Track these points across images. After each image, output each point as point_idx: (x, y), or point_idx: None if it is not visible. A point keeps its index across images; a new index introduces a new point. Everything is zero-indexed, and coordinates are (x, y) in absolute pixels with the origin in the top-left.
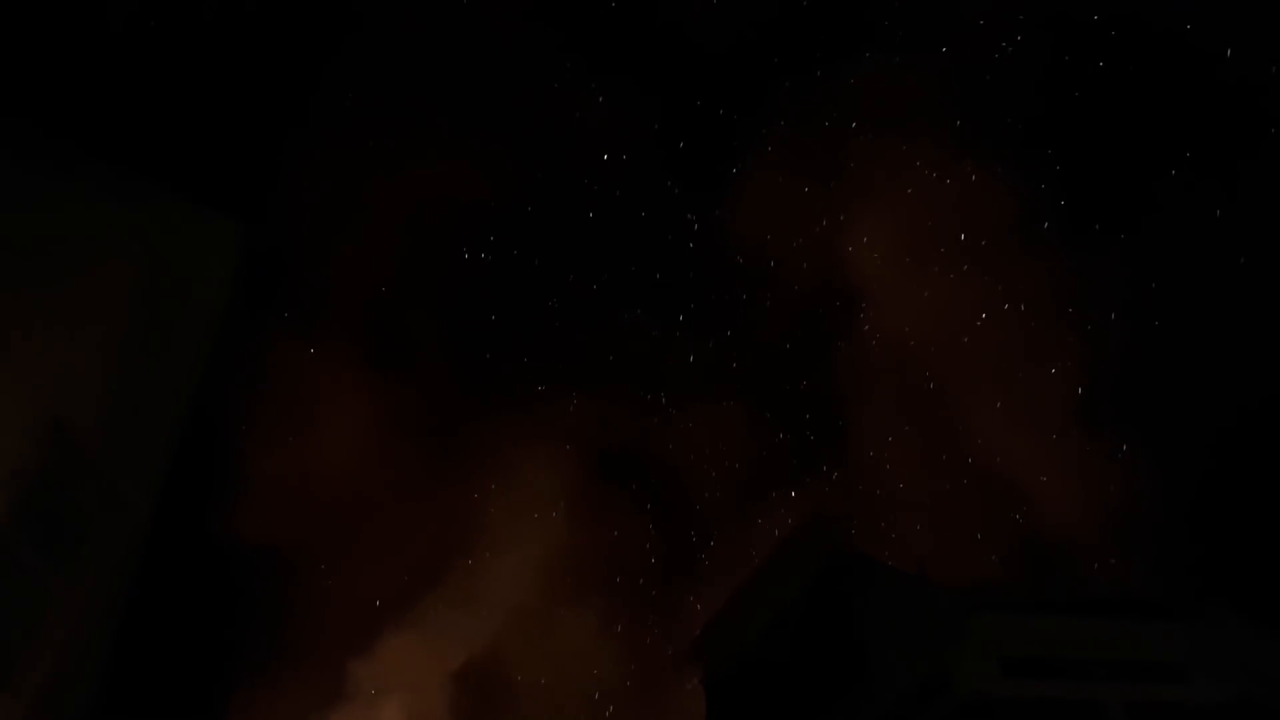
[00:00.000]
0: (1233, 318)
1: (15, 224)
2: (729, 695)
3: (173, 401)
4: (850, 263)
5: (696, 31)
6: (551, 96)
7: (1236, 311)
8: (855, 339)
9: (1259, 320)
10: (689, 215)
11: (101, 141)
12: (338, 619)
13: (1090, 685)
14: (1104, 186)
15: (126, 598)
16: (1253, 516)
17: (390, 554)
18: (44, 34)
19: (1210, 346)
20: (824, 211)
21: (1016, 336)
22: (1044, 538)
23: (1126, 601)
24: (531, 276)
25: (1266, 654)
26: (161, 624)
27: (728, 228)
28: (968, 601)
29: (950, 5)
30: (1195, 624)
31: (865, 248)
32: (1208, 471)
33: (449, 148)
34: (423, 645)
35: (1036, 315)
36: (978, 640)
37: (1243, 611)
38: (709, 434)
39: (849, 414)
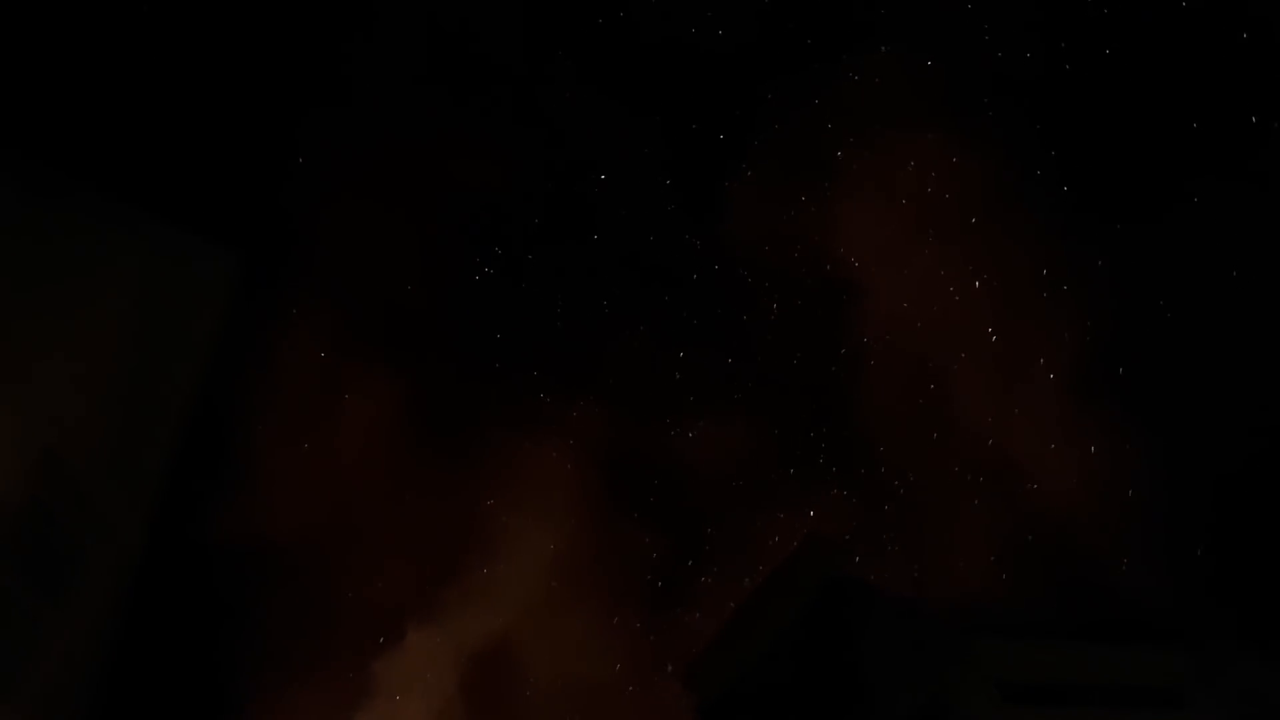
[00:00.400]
0: (1245, 313)
1: (6, 256)
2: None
3: (166, 428)
4: (851, 264)
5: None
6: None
7: (1249, 306)
8: (859, 346)
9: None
10: (690, 223)
11: (91, 170)
12: (348, 624)
13: (1089, 710)
14: (1111, 171)
15: (123, 617)
16: (1258, 526)
17: (397, 556)
18: (37, 61)
19: (1223, 342)
20: (823, 214)
21: (1023, 337)
22: (1048, 548)
23: (1126, 623)
24: (537, 283)
25: (1265, 678)
26: (164, 638)
27: (730, 234)
28: (966, 626)
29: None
30: (1194, 648)
31: (865, 247)
32: (1218, 476)
33: (451, 153)
34: (433, 645)
35: (1045, 316)
36: (976, 667)
37: (1242, 634)
38: (712, 447)
39: (853, 424)
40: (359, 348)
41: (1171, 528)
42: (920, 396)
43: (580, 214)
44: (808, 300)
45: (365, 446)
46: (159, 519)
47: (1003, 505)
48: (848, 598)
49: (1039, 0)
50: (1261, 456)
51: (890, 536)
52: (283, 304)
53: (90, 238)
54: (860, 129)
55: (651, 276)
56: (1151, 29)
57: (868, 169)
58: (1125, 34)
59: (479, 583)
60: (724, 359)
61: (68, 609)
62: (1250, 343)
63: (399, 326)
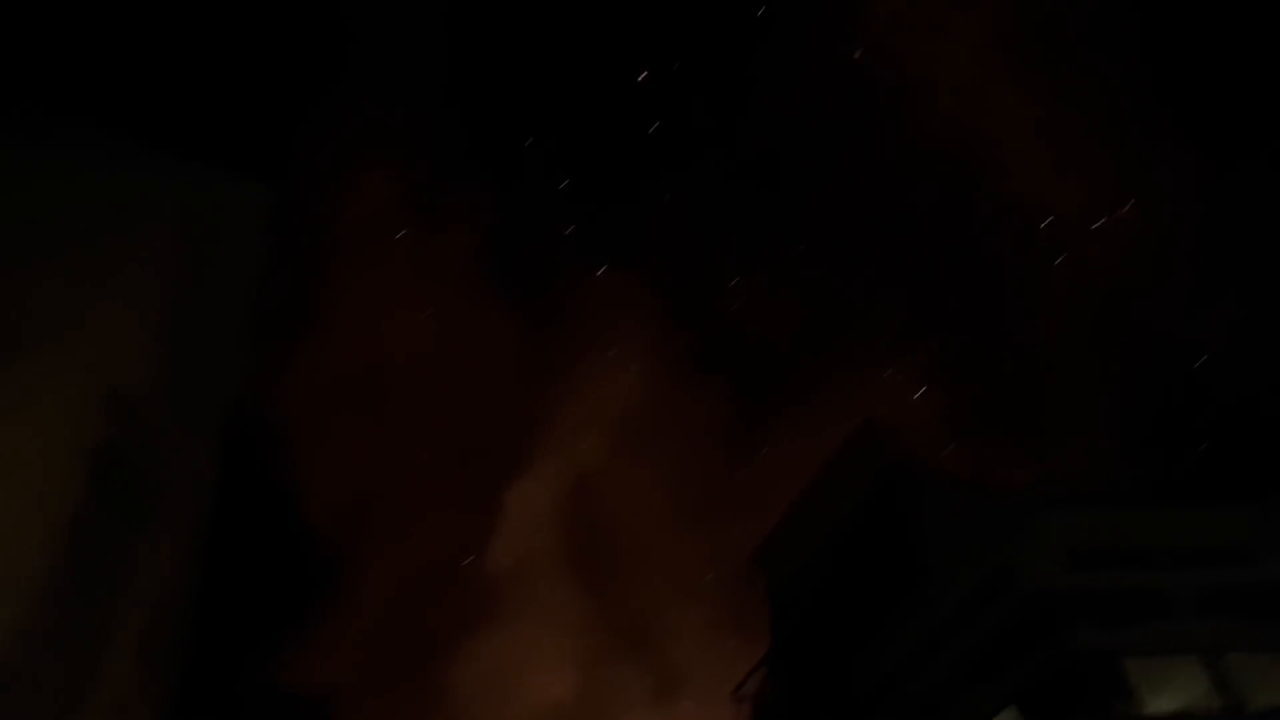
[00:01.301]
0: None
1: (58, 214)
2: (793, 602)
3: (222, 358)
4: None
5: None
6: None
7: None
8: (925, 214)
9: None
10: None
11: (125, 121)
12: (428, 491)
13: (1159, 573)
14: None
15: (205, 541)
16: None
17: (478, 425)
18: (63, 21)
19: None
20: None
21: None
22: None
23: (1189, 487)
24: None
25: None
26: (240, 572)
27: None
28: (1032, 498)
29: None
30: (1262, 505)
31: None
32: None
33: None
34: (524, 485)
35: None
36: (1042, 535)
37: None
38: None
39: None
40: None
41: (1249, 379)
42: (986, 265)
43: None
44: (875, 165)
45: (425, 331)
46: (226, 444)
47: (1073, 373)
48: (907, 479)
49: None
50: None
51: (956, 415)
52: (316, 228)
53: (132, 184)
54: None
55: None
56: None
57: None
58: None
59: (561, 437)
60: (791, 231)
61: (157, 536)
62: None
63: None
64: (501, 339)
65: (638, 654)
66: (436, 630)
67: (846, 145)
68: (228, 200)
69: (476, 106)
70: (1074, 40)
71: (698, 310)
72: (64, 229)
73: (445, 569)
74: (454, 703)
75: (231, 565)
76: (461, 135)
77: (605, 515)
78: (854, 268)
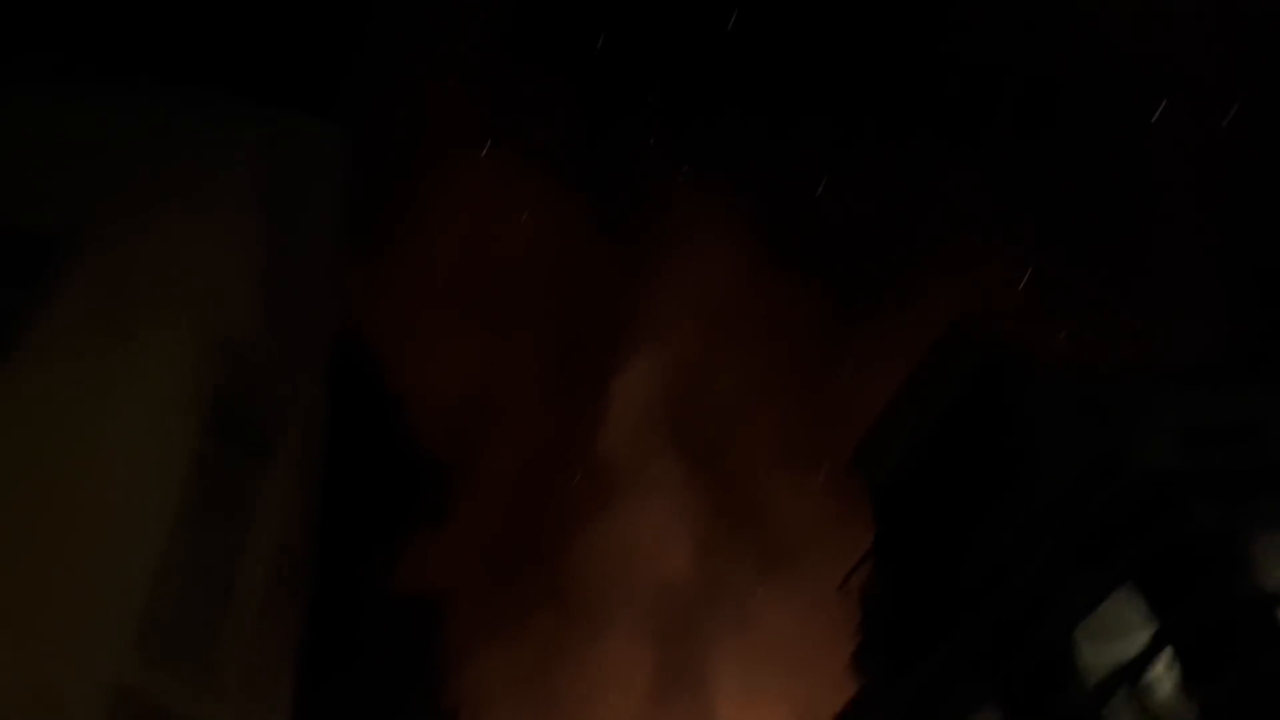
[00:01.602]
0: None
1: (147, 168)
2: (896, 497)
3: (319, 292)
4: None
5: None
6: None
7: None
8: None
9: None
10: None
11: (192, 72)
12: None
13: (1275, 449)
14: None
15: (323, 468)
16: None
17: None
18: None
19: None
20: None
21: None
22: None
23: None
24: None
25: None
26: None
27: None
28: (1138, 379)
29: None
30: None
31: None
32: None
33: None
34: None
35: None
36: (1154, 414)
37: None
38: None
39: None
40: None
41: None
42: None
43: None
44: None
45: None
46: (334, 377)
47: (1183, 245)
48: (1008, 368)
49: None
50: None
51: (1060, 298)
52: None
53: (214, 133)
54: None
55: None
56: None
57: None
58: None
59: (658, 336)
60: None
61: (281, 473)
62: None
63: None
64: (591, 243)
65: (744, 546)
66: (548, 525)
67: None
68: (307, 140)
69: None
70: None
71: (788, 209)
72: (155, 182)
73: (553, 466)
74: (568, 594)
75: (346, 481)
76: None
77: (705, 411)
78: (944, 152)
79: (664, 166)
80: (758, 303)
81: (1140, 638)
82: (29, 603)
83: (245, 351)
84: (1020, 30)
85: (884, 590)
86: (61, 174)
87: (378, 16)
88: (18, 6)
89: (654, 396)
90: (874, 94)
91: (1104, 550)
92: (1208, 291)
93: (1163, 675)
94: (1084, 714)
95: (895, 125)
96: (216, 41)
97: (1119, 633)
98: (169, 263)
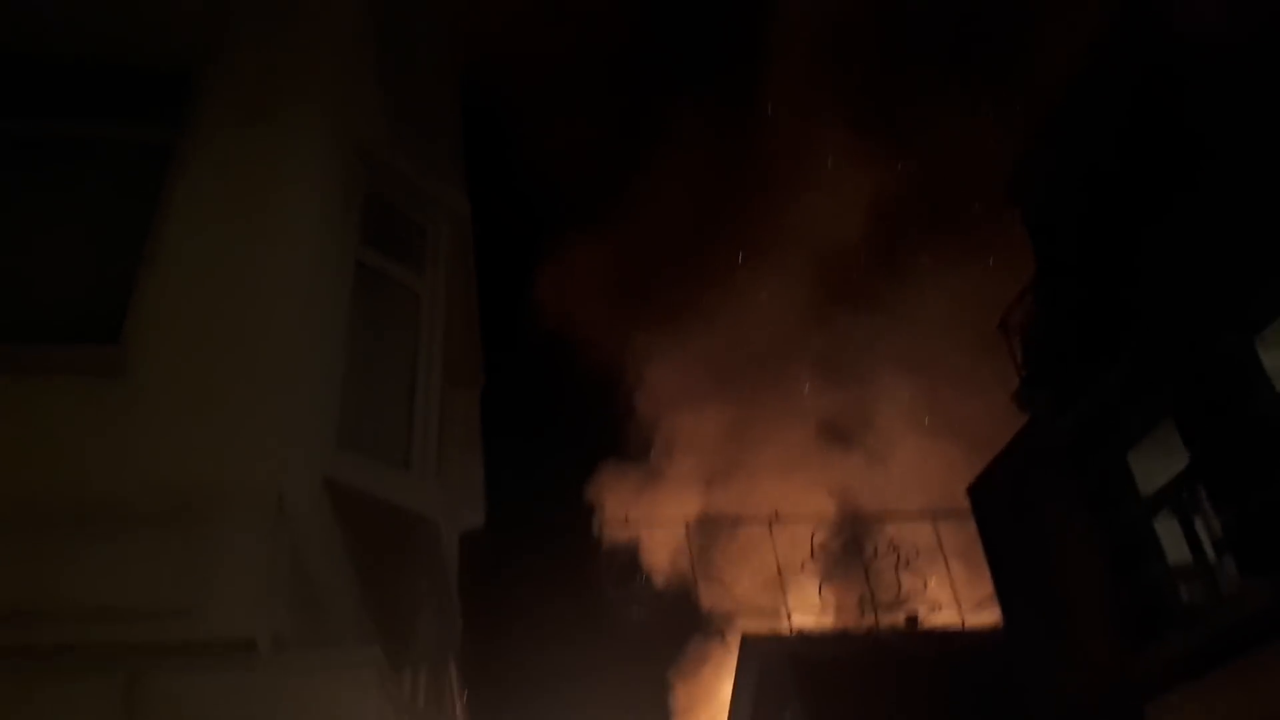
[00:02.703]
0: None
1: None
2: (1056, 224)
3: (444, 93)
4: None
5: None
6: None
7: None
8: None
9: None
10: None
11: None
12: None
13: None
14: None
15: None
16: None
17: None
18: None
19: None
20: None
21: None
22: None
23: None
24: None
25: None
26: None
27: None
28: None
29: None
30: None
31: None
32: None
33: None
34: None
35: None
36: None
37: None
38: None
39: None
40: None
41: None
42: None
43: None
44: None
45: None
46: (471, 177)
47: None
48: (1183, 60)
49: None
50: None
51: None
52: None
53: None
54: None
55: None
56: None
57: None
58: None
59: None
60: None
61: (435, 277)
62: None
63: None
64: None
65: (896, 291)
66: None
67: None
68: None
69: None
70: None
71: None
72: (272, 3)
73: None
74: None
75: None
76: None
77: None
78: None
79: None
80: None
81: None
82: (239, 413)
83: (383, 157)
84: None
85: (1047, 322)
86: (182, 9)
87: None
88: None
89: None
90: None
91: None
92: None
93: None
94: (1272, 422)
95: None
96: None
97: None
98: (299, 79)
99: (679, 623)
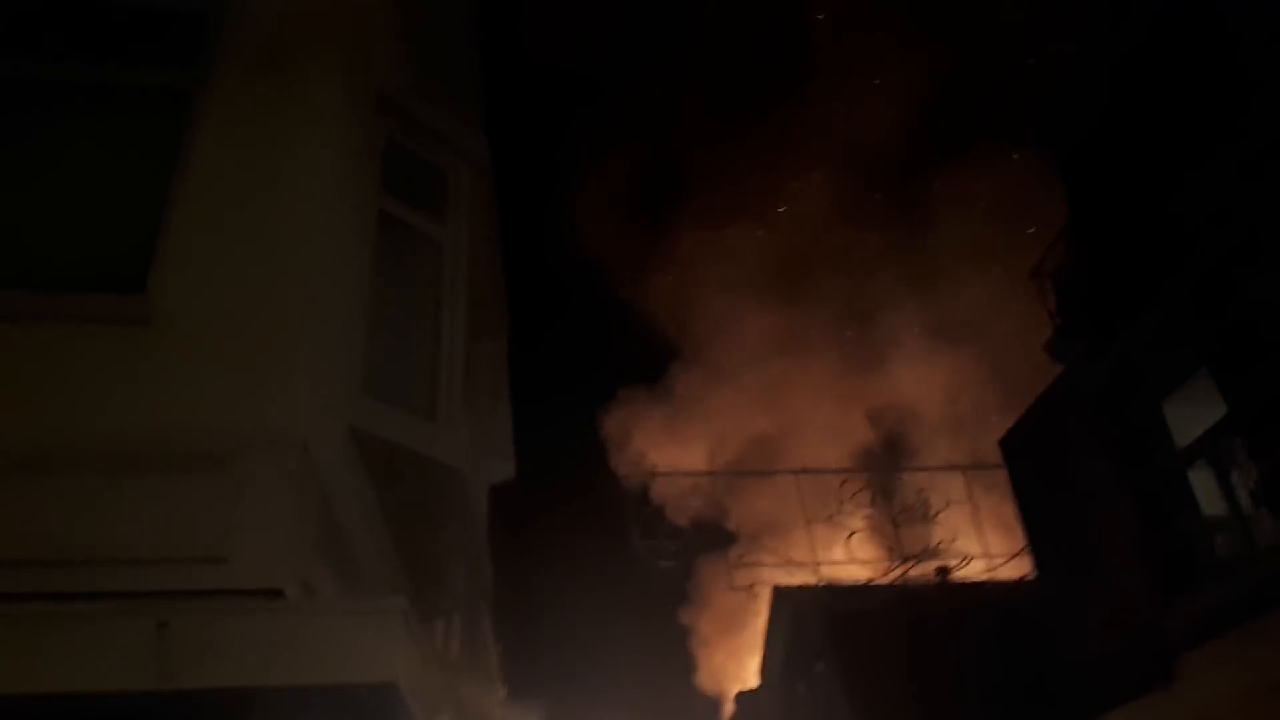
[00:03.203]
0: None
1: None
2: (1089, 168)
3: (462, 38)
4: None
5: None
6: None
7: None
8: None
9: None
10: None
11: None
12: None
13: None
14: None
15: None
16: None
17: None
18: None
19: None
20: None
21: None
22: None
23: None
24: None
25: None
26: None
27: None
28: None
29: None
30: None
31: None
32: None
33: None
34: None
35: None
36: None
37: None
38: None
39: None
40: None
41: None
42: None
43: None
44: None
45: None
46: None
47: None
48: None
49: None
50: None
51: None
52: None
53: None
54: None
55: None
56: None
57: None
58: None
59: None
60: None
61: (457, 226)
62: None
63: None
64: None
65: (927, 236)
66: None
67: None
68: None
69: None
70: None
71: None
72: None
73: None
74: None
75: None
76: None
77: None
78: None
79: None
80: None
81: None
82: (264, 361)
83: (404, 105)
84: None
85: (1080, 269)
86: None
87: None
88: None
89: None
90: None
91: None
92: None
93: None
94: None
95: None
96: None
97: None
98: (318, 23)
99: (709, 573)
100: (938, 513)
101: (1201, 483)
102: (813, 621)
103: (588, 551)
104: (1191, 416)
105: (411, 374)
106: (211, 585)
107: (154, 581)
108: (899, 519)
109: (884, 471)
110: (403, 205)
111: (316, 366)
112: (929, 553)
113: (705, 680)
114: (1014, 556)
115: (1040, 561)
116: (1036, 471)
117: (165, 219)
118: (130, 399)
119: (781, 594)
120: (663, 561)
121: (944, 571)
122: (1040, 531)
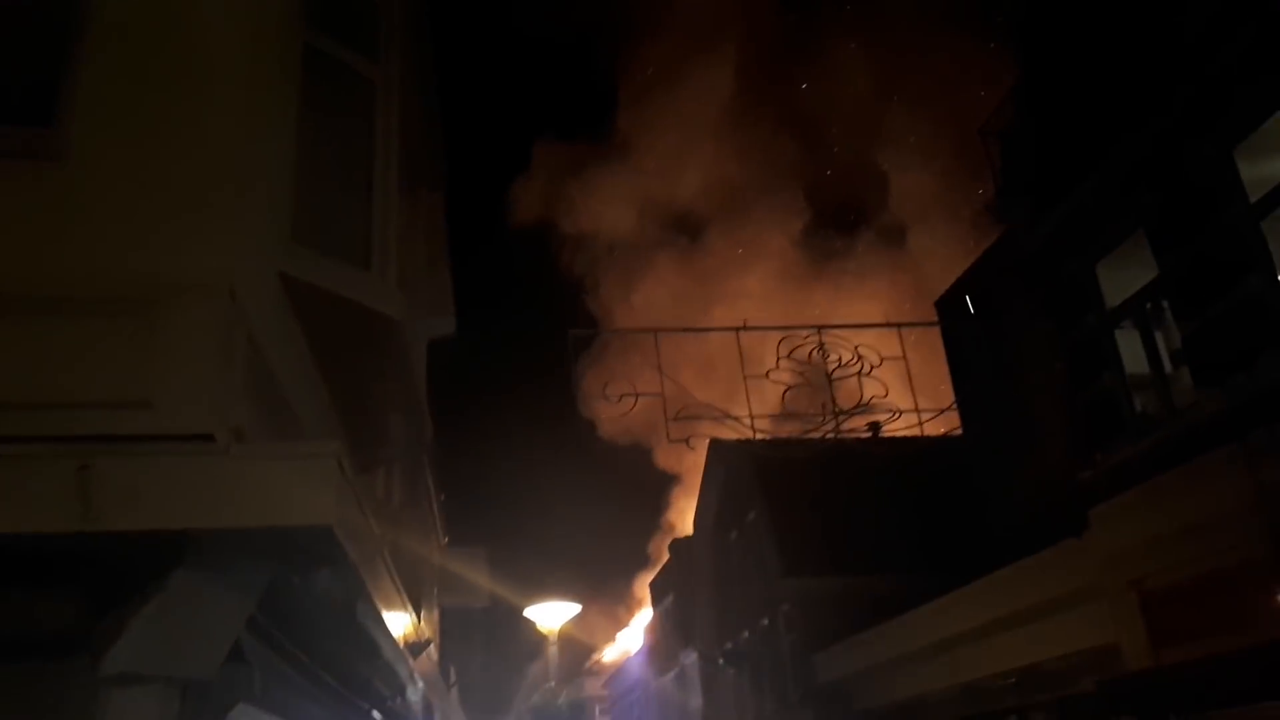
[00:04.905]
0: None
1: None
2: (1044, 29)
3: None
4: None
5: None
6: None
7: None
8: None
9: None
10: None
11: None
12: None
13: None
14: None
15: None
16: None
17: None
18: None
19: None
20: None
21: None
22: None
23: None
24: None
25: None
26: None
27: None
28: None
29: None
30: None
31: None
32: None
33: None
34: None
35: None
36: None
37: None
38: None
39: None
40: None
41: None
42: None
43: None
44: None
45: None
46: None
47: None
48: None
49: None
50: None
51: None
52: None
53: None
54: None
55: None
56: None
57: None
58: None
59: None
60: None
61: (390, 65)
62: None
63: None
64: None
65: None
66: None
67: None
68: None
69: None
70: None
71: None
72: None
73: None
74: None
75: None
76: None
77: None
78: None
79: None
80: None
81: None
82: (187, 203)
83: None
84: None
85: (1029, 128)
86: None
87: None
88: None
89: None
90: None
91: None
92: None
93: None
94: (1242, 233)
95: None
96: None
97: None
98: None
99: (650, 428)
100: (870, 368)
101: (1128, 343)
102: (746, 473)
103: (530, 405)
104: (1124, 278)
105: (344, 221)
106: (138, 430)
107: (77, 426)
108: (834, 375)
109: (822, 328)
110: (332, 40)
111: (241, 208)
112: (861, 407)
113: (644, 528)
114: (943, 411)
115: (968, 417)
116: (969, 330)
117: (75, 54)
118: (47, 238)
119: (716, 447)
120: (604, 415)
121: (875, 426)
122: (970, 388)
